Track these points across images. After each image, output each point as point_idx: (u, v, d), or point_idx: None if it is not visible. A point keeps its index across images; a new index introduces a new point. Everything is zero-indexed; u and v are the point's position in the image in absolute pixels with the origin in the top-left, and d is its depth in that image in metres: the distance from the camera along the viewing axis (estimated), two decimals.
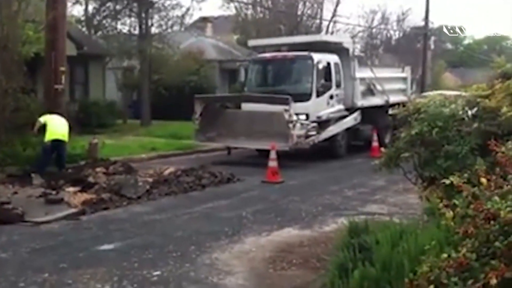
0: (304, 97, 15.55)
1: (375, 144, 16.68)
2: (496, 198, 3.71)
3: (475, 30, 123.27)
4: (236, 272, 6.25)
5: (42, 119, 12.81)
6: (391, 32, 43.58)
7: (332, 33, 34.54)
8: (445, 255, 3.74)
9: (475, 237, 3.68)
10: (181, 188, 11.22)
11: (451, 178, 4.69)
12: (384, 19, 41.36)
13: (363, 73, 18.14)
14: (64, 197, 9.88)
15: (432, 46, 46.83)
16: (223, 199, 10.47)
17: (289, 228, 8.16)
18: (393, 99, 18.59)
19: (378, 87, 18.50)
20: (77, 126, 18.96)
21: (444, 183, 5.08)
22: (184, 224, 8.57)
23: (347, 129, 16.88)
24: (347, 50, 17.49)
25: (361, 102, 17.65)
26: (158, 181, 11.40)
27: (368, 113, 17.71)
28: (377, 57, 40.49)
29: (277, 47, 18.50)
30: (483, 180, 4.12)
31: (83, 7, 28.05)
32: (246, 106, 16.62)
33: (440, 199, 4.94)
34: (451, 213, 4.18)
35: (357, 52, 38.69)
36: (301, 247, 7.17)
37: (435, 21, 55.57)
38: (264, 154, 13.61)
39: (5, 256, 6.86)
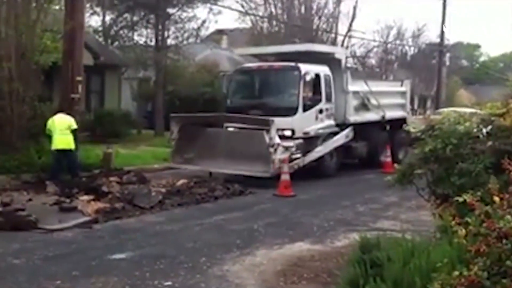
0: (289, 111, 14.49)
1: (387, 159, 16.53)
2: (509, 217, 3.71)
3: (491, 48, 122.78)
4: (247, 284, 6.26)
5: (48, 128, 12.77)
6: (406, 47, 43.56)
7: (347, 47, 34.61)
8: (456, 273, 3.74)
9: (487, 256, 3.68)
10: (194, 199, 11.27)
11: (464, 196, 4.70)
12: (400, 35, 41.37)
13: (356, 86, 16.95)
14: (78, 205, 9.97)
15: (448, 63, 46.72)
16: (235, 212, 10.49)
17: (300, 242, 8.16)
18: (390, 114, 17.98)
19: (374, 101, 17.31)
20: (91, 135, 19.19)
21: (457, 200, 5.08)
22: (195, 235, 8.60)
23: (339, 147, 15.64)
24: (339, 61, 16.30)
25: (354, 118, 16.52)
26: (171, 192, 11.47)
27: (362, 129, 16.60)
28: (391, 72, 40.43)
29: (265, 57, 17.66)
30: (496, 198, 4.13)
31: (101, 17, 28.48)
32: (227, 125, 15.41)
33: (452, 217, 4.92)
34: (464, 231, 4.18)
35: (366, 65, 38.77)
36: (312, 261, 7.16)
37: (451, 38, 55.54)
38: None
39: (18, 263, 6.92)
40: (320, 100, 15.13)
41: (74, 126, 12.84)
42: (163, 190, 11.46)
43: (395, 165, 7.35)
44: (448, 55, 45.69)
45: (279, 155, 13.12)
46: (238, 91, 16.20)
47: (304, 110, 14.61)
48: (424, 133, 6.87)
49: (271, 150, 13.00)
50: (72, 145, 12.64)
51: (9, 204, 9.75)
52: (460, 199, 4.82)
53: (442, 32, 35.49)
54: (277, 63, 15.84)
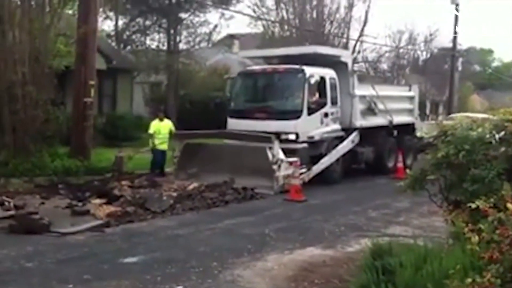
0: (293, 114, 14.23)
1: (399, 165, 16.45)
2: None
3: (504, 53, 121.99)
4: None
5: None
6: (419, 52, 43.39)
7: (359, 52, 34.53)
8: (469, 280, 3.73)
9: (500, 263, 3.66)
10: (205, 203, 11.29)
11: (477, 202, 4.68)
12: (412, 40, 41.21)
13: (363, 90, 16.53)
14: (90, 209, 10.03)
15: (460, 68, 46.46)
16: (246, 216, 10.49)
17: (311, 247, 8.14)
18: (398, 119, 17.66)
19: (381, 106, 16.89)
20: (103, 138, 19.30)
21: (470, 207, 5.05)
22: (207, 239, 8.61)
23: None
24: (345, 64, 15.96)
25: (360, 122, 16.11)
26: (182, 196, 11.49)
27: (368, 134, 16.32)
28: (403, 77, 40.26)
29: (270, 59, 17.34)
30: (509, 205, 4.11)
31: (113, 22, 28.67)
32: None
33: (465, 223, 4.90)
34: (477, 237, 4.17)
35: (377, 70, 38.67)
36: (323, 266, 7.14)
37: (464, 43, 55.23)
38: None
39: (31, 266, 6.97)
40: (325, 104, 14.87)
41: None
42: (174, 194, 11.48)
43: (407, 170, 7.31)
44: (460, 60, 45.44)
45: (283, 171, 12.92)
46: (242, 94, 15.94)
47: (309, 113, 14.35)
48: (437, 138, 6.84)
49: (275, 167, 12.80)
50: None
51: (22, 208, 9.86)
52: (473, 206, 4.80)
53: (455, 37, 35.31)
54: (281, 65, 15.58)
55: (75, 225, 9.01)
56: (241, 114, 14.88)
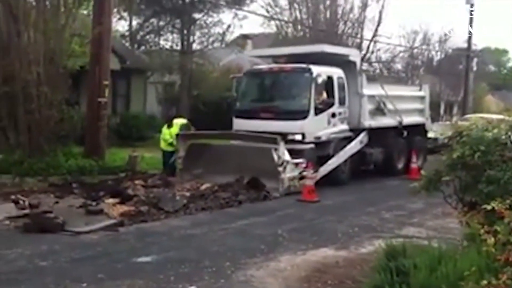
0: (300, 114, 14.00)
1: (413, 166, 16.33)
2: None
3: None
4: None
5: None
6: (433, 53, 43.09)
7: (372, 52, 34.37)
8: (485, 282, 3.70)
9: None
10: (218, 203, 11.30)
11: (493, 204, 4.64)
12: (426, 40, 40.95)
13: (372, 90, 16.22)
14: (104, 208, 10.08)
15: (475, 68, 46.09)
16: (259, 216, 10.49)
17: (324, 248, 8.12)
18: (408, 120, 17.37)
19: (390, 106, 16.55)
20: (117, 138, 19.40)
21: (485, 208, 5.01)
22: (220, 239, 8.61)
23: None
24: (353, 63, 15.71)
25: (369, 122, 15.81)
26: (195, 196, 11.50)
27: (377, 135, 15.99)
28: (417, 77, 40.02)
29: (277, 58, 17.05)
30: None
31: (128, 22, 28.81)
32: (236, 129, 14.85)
33: (481, 225, 4.86)
34: (492, 239, 4.13)
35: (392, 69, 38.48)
36: (336, 267, 7.12)
37: (478, 43, 54.78)
38: None
39: (45, 265, 7.02)
40: (332, 104, 14.63)
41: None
42: (188, 194, 11.51)
43: (422, 171, 7.26)
44: (475, 60, 45.09)
45: (289, 173, 12.73)
46: (248, 94, 15.72)
47: (316, 113, 14.11)
48: (452, 139, 6.79)
49: (280, 169, 12.58)
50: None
51: (37, 206, 9.93)
52: (489, 207, 4.76)
53: (470, 37, 35.03)
54: (288, 65, 15.32)
55: (89, 224, 9.06)
56: (247, 114, 14.74)
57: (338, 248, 8.16)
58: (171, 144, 14.68)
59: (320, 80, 14.05)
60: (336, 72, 14.97)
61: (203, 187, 12.44)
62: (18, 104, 13.68)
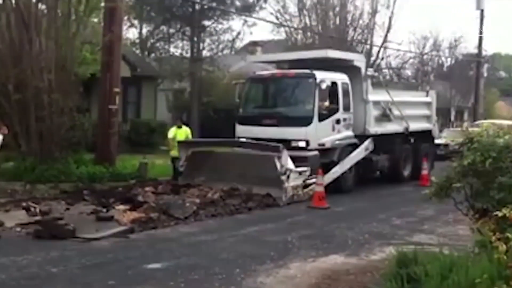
0: (303, 121, 13.81)
1: (424, 172, 16.25)
2: None
3: None
4: None
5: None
6: (443, 59, 42.97)
7: (382, 58, 34.33)
8: None
9: None
10: (228, 210, 11.31)
11: (504, 211, 4.62)
12: (436, 46, 40.87)
13: (377, 95, 16.00)
14: (114, 215, 10.11)
15: (485, 74, 45.90)
16: (269, 223, 10.47)
17: (335, 255, 8.08)
18: (414, 126, 17.12)
19: (396, 112, 16.31)
20: (128, 145, 19.49)
21: (496, 215, 4.99)
22: (230, 246, 8.61)
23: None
24: (358, 69, 15.46)
25: (374, 129, 15.59)
26: (205, 203, 11.50)
27: (383, 141, 15.77)
28: (428, 83, 39.93)
29: (281, 64, 16.99)
30: None
31: (138, 30, 29.00)
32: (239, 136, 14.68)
33: (492, 232, 4.83)
34: (504, 246, 4.10)
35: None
36: (347, 275, 7.09)
37: (489, 49, 54.48)
38: None
39: (56, 271, 7.04)
40: (337, 110, 14.40)
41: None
42: (197, 200, 11.51)
43: (432, 178, 7.22)
44: (486, 66, 44.91)
45: (292, 182, 12.50)
46: (251, 100, 15.57)
47: (320, 120, 13.91)
48: (463, 146, 6.76)
49: (283, 178, 12.31)
50: None
51: (48, 213, 9.99)
52: (500, 214, 4.73)
53: (480, 43, 34.91)
54: (291, 70, 15.23)
55: (100, 231, 9.09)
56: (250, 121, 14.62)
57: (348, 255, 8.13)
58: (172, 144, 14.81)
59: (324, 86, 13.83)
60: (341, 78, 14.79)
61: (210, 194, 12.30)
62: (29, 111, 13.79)
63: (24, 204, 10.61)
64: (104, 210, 10.53)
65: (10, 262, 7.33)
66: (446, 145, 18.84)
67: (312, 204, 12.21)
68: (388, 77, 36.39)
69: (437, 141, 20.26)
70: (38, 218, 9.67)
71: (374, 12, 31.95)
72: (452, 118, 43.77)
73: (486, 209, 6.18)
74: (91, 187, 13.02)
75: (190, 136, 15.40)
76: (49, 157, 13.95)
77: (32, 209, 10.23)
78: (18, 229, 9.18)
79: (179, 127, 15.19)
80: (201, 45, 27.18)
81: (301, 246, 8.60)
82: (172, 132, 15.09)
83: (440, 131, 28.34)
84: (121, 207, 10.83)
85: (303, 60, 15.40)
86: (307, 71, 14.25)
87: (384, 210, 12.17)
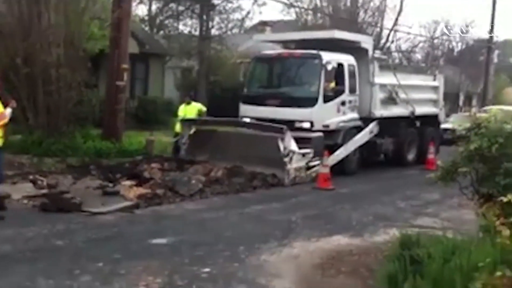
0: (308, 102, 13.69)
1: (430, 156, 16.22)
2: None
3: None
4: (284, 275, 6.28)
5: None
6: (454, 43, 42.67)
7: (392, 41, 34.12)
8: (499, 273, 3.69)
9: None
10: (233, 188, 11.35)
11: (509, 196, 4.61)
12: (447, 30, 40.56)
13: (384, 78, 15.74)
14: (120, 190, 10.18)
15: (495, 60, 45.56)
16: (274, 202, 10.52)
17: (338, 236, 8.12)
18: (420, 110, 16.98)
19: (402, 95, 16.13)
20: (135, 122, 19.55)
21: (501, 200, 4.99)
22: (234, 224, 8.67)
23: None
24: (365, 50, 15.23)
25: (380, 112, 15.47)
26: (211, 180, 11.54)
27: (389, 124, 15.64)
28: (437, 68, 39.72)
29: (287, 44, 16.77)
30: None
31: (147, 6, 28.87)
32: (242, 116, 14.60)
33: (496, 217, 4.84)
34: (508, 231, 4.12)
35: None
36: (350, 255, 7.13)
37: (500, 35, 54.09)
38: None
39: (61, 244, 7.12)
40: (343, 91, 14.23)
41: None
42: (203, 178, 11.54)
43: (439, 162, 7.23)
44: (496, 52, 44.54)
45: (295, 163, 12.42)
46: (256, 80, 15.46)
47: (325, 101, 13.74)
48: (470, 131, 6.75)
49: (286, 159, 12.23)
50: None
51: (55, 187, 10.06)
52: (505, 199, 4.74)
53: (491, 29, 34.60)
54: (297, 50, 15.07)
55: (106, 205, 9.16)
56: (254, 100, 14.51)
57: (352, 236, 8.17)
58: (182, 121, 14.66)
59: (330, 67, 13.69)
60: (347, 59, 14.60)
61: (213, 172, 12.19)
62: (37, 85, 13.81)
63: (31, 177, 10.68)
64: (110, 185, 10.59)
65: (16, 234, 7.41)
66: (453, 130, 18.74)
67: (317, 185, 12.23)
68: (397, 60, 36.19)
69: (444, 126, 20.17)
70: (44, 191, 9.75)
71: None
72: (461, 103, 43.62)
73: (491, 194, 6.19)
74: (97, 162, 13.07)
75: (203, 109, 15.28)
76: (56, 131, 14.01)
77: (39, 182, 10.30)
78: (25, 201, 9.26)
79: (188, 103, 15.15)
80: (210, 23, 27.09)
81: (305, 226, 8.65)
82: (181, 110, 15.04)
83: (448, 115, 28.34)
84: (127, 182, 10.88)
85: (309, 41, 15.21)
86: (313, 51, 14.08)
87: (389, 193, 12.19)
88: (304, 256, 7.06)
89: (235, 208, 9.82)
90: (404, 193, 12.24)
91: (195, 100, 16.76)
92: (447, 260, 5.05)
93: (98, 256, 6.59)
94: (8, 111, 8.56)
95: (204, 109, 15.35)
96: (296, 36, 17.42)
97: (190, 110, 14.90)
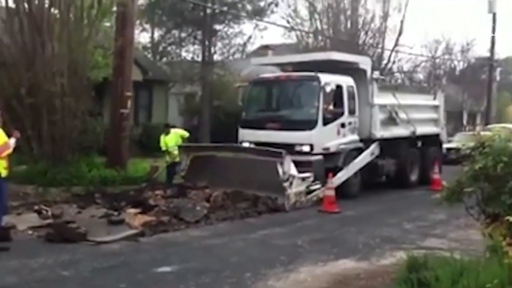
0: (308, 124, 13.56)
1: (435, 176, 16.10)
2: None
3: None
4: None
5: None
6: (455, 62, 42.77)
7: (394, 62, 34.21)
8: None
9: None
10: (238, 213, 11.32)
11: None
12: (448, 49, 40.70)
13: (383, 99, 15.68)
14: (125, 218, 10.14)
15: (498, 78, 45.64)
16: (278, 227, 10.47)
17: (345, 260, 8.06)
18: (421, 130, 16.83)
19: (403, 115, 16.00)
20: (139, 149, 19.58)
21: (508, 220, 4.95)
22: (240, 250, 8.62)
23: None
24: (364, 71, 15.12)
25: (380, 133, 15.26)
26: (215, 206, 11.50)
27: (390, 145, 15.47)
28: (439, 87, 39.78)
29: (285, 66, 16.67)
30: None
31: (150, 34, 29.17)
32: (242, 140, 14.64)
33: (503, 237, 4.80)
34: None
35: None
36: (357, 279, 7.07)
37: (501, 52, 54.27)
38: None
39: (67, 274, 7.08)
40: (342, 113, 14.13)
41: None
42: (207, 204, 11.48)
43: (444, 182, 7.19)
44: (498, 69, 44.64)
45: (295, 188, 12.28)
46: (255, 103, 15.35)
47: (324, 123, 13.62)
48: (474, 150, 6.73)
49: (286, 184, 12.10)
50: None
51: (60, 216, 10.05)
52: (511, 219, 4.70)
53: (492, 46, 34.72)
54: (295, 73, 15.04)
55: (111, 234, 9.13)
56: (253, 124, 14.44)
57: (359, 260, 8.11)
58: (169, 153, 14.48)
59: (328, 89, 13.60)
60: (346, 81, 14.49)
61: (213, 195, 12.01)
62: (42, 115, 13.89)
63: (36, 207, 10.67)
64: (115, 213, 10.55)
65: (21, 265, 7.40)
66: (458, 149, 18.64)
67: (322, 208, 12.18)
68: (400, 80, 36.25)
69: (448, 145, 20.06)
70: (49, 221, 9.73)
71: (385, 16, 31.88)
72: (465, 121, 43.55)
73: (498, 214, 6.14)
74: (102, 190, 13.06)
75: (185, 135, 14.94)
76: (61, 161, 14.04)
77: (44, 212, 10.29)
78: (30, 232, 9.25)
79: (167, 133, 14.71)
80: (212, 49, 27.28)
81: (311, 250, 8.60)
82: (162, 141, 14.65)
83: (452, 135, 28.26)
84: (132, 210, 10.85)
85: (307, 63, 15.16)
86: (312, 73, 13.98)
87: (395, 214, 12.12)
88: (310, 281, 7.00)
89: (240, 233, 9.78)
90: (410, 214, 12.17)
91: (197, 127, 16.69)
92: (455, 282, 5.01)
93: (104, 286, 6.56)
94: (12, 141, 8.60)
95: (186, 134, 15.02)
96: (294, 58, 17.40)
97: (170, 139, 14.50)
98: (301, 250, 8.64)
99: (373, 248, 8.87)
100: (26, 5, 14.14)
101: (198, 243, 9.04)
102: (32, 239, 8.96)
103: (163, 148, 14.60)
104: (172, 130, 14.92)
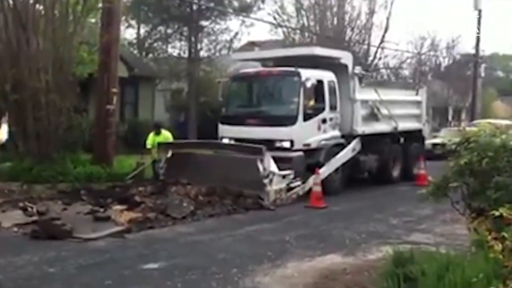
0: (288, 120, 13.40)
1: (421, 172, 16.17)
2: None
3: None
4: None
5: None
6: (441, 59, 43.03)
7: (380, 58, 34.35)
8: None
9: None
10: (225, 210, 11.30)
11: (501, 210, 4.62)
12: (434, 46, 40.92)
13: (365, 94, 15.47)
14: (111, 215, 10.10)
15: (483, 74, 45.96)
16: (266, 223, 10.48)
17: (332, 255, 8.08)
18: (403, 125, 16.74)
19: (384, 111, 15.82)
20: (125, 145, 19.48)
21: (493, 214, 5.00)
22: (227, 246, 8.61)
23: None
24: (345, 66, 14.93)
25: (362, 129, 15.10)
26: (202, 203, 11.47)
27: (371, 141, 15.39)
28: (425, 83, 39.97)
29: (266, 61, 16.43)
30: None
31: (136, 30, 29.02)
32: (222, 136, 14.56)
33: (488, 231, 4.84)
34: (500, 246, 4.11)
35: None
36: (344, 274, 7.09)
37: (486, 49, 54.69)
38: None
39: (53, 271, 7.03)
40: (323, 109, 13.97)
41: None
42: (194, 200, 11.45)
43: (429, 178, 7.23)
44: (483, 66, 44.94)
45: (275, 185, 12.12)
46: (235, 99, 15.16)
47: (305, 119, 13.46)
48: (460, 145, 6.77)
49: (266, 181, 11.92)
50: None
51: (45, 213, 9.98)
52: (496, 213, 4.74)
53: (477, 43, 34.98)
54: (276, 68, 14.86)
55: (97, 231, 9.08)
56: (233, 120, 14.30)
57: (345, 255, 8.13)
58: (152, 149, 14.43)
59: (309, 84, 13.43)
60: (327, 76, 14.31)
61: (192, 192, 11.92)
62: (27, 111, 13.78)
63: (21, 204, 10.59)
64: (101, 210, 10.50)
65: (6, 262, 7.33)
66: (443, 145, 18.71)
67: (309, 204, 12.21)
68: (386, 77, 36.38)
69: (434, 141, 20.15)
70: (35, 218, 9.65)
71: (371, 13, 32.00)
72: (450, 117, 43.85)
73: (483, 208, 6.19)
74: (88, 187, 12.98)
75: (170, 138, 14.98)
76: (47, 157, 13.94)
77: (29, 209, 10.22)
78: (15, 229, 9.18)
79: (157, 133, 14.71)
80: (198, 45, 27.24)
81: (298, 246, 8.60)
82: (150, 139, 14.64)
83: (438, 130, 28.43)
84: (118, 207, 10.80)
85: (289, 58, 14.95)
86: (292, 69, 13.79)
87: (381, 210, 12.17)
88: (297, 276, 7.01)
89: (227, 229, 9.77)
90: (396, 209, 12.23)
91: (184, 123, 16.68)
92: (441, 277, 5.04)
93: (90, 283, 6.52)
94: None
95: (171, 139, 15.01)
96: (276, 53, 17.11)
97: (159, 140, 14.47)
98: (288, 245, 8.65)
99: (359, 243, 8.89)
100: (10, 1, 14.02)
101: (184, 239, 9.01)
102: (17, 236, 8.89)
103: (149, 146, 14.54)
104: (163, 131, 14.97)
